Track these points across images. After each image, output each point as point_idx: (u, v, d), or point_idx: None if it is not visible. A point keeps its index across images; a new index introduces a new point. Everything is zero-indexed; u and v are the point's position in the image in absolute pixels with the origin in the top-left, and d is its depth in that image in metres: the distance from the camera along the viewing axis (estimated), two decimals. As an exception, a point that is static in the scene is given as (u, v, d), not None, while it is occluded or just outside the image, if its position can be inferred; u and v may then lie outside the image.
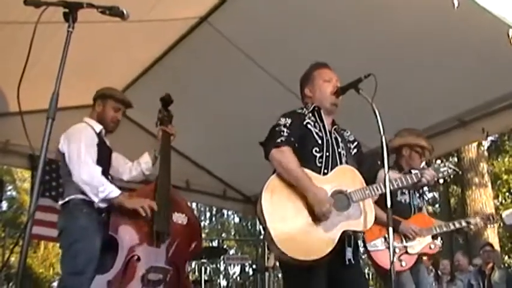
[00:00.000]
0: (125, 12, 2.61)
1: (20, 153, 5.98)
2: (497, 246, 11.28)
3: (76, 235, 3.32)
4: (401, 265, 4.06)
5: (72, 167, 3.40)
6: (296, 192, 2.84)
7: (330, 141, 3.06)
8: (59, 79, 2.12)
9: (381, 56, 4.51)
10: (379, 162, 3.20)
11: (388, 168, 2.79)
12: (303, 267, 2.75)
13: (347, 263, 2.90)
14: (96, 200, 3.33)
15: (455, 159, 14.55)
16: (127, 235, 3.41)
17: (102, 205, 3.38)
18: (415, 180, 3.04)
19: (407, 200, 4.32)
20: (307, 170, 2.88)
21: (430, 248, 4.22)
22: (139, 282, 3.29)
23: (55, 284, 21.97)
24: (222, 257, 10.19)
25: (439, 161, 3.32)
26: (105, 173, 3.60)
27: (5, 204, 20.05)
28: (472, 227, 4.38)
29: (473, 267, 8.64)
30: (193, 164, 7.25)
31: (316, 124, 3.08)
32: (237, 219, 24.15)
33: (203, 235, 19.21)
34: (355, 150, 3.25)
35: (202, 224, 22.64)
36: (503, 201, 16.28)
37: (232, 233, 24.77)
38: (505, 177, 15.91)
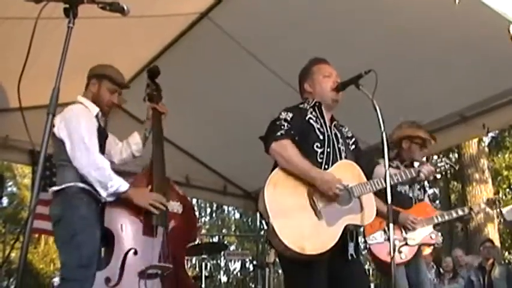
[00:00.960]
0: (125, 7, 2.60)
1: (20, 149, 5.99)
2: (497, 243, 11.29)
3: (78, 226, 3.06)
4: (400, 257, 4.06)
5: (77, 158, 3.11)
6: (299, 185, 2.85)
7: (330, 137, 3.07)
8: (60, 75, 2.12)
9: (382, 52, 4.51)
10: (376, 159, 3.24)
11: (389, 161, 2.80)
12: (304, 262, 2.75)
13: (349, 258, 2.91)
14: (104, 194, 3.12)
15: (456, 155, 14.55)
16: (123, 228, 3.24)
17: (110, 199, 3.17)
18: (413, 174, 3.10)
19: (407, 191, 4.31)
20: (310, 164, 2.88)
21: (431, 237, 4.20)
22: (136, 277, 3.14)
23: (56, 279, 22.03)
24: (222, 253, 10.18)
25: (436, 157, 3.33)
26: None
27: (5, 200, 20.04)
28: (474, 214, 4.37)
29: (467, 266, 8.65)
30: (194, 160, 7.25)
31: (317, 120, 3.08)
32: (237, 215, 24.13)
33: (203, 231, 19.26)
34: (353, 146, 3.27)
35: (202, 220, 22.67)
36: (504, 197, 16.27)
37: (233, 229, 24.75)
38: (505, 173, 15.90)
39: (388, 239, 3.92)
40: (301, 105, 3.16)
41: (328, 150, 3.00)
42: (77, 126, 3.16)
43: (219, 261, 22.53)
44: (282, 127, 2.94)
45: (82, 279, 2.97)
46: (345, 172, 2.95)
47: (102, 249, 3.32)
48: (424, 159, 4.29)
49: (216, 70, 5.41)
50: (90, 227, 3.11)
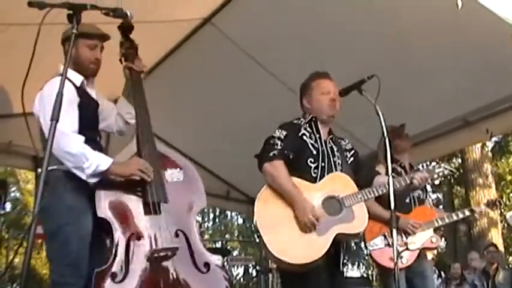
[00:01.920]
0: (128, 13, 2.62)
1: (23, 155, 6.00)
2: (501, 247, 11.27)
3: (63, 217, 2.72)
4: (401, 262, 4.04)
5: (44, 131, 2.72)
6: (287, 201, 2.96)
7: (325, 151, 3.15)
8: (63, 81, 2.13)
9: (384, 57, 4.51)
10: (375, 168, 3.30)
11: (392, 168, 2.83)
12: (299, 271, 2.85)
13: (341, 266, 3.05)
14: (84, 177, 2.70)
15: (459, 160, 14.53)
16: (120, 212, 2.81)
17: (93, 180, 2.74)
18: (408, 182, 3.16)
19: (407, 194, 4.29)
20: (298, 179, 3.00)
21: (432, 241, 4.16)
22: (145, 265, 2.72)
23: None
24: (225, 258, 10.17)
25: (434, 163, 3.35)
26: (93, 132, 3.02)
27: (8, 206, 20.06)
28: (476, 215, 4.33)
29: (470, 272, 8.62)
30: (196, 165, 7.21)
31: (312, 135, 3.17)
32: (240, 221, 24.11)
33: (206, 236, 19.22)
34: (351, 159, 3.34)
35: (205, 225, 22.64)
36: (508, 202, 16.24)
37: (236, 234, 24.74)
38: (509, 178, 15.89)
39: (388, 245, 3.97)
40: (296, 121, 3.25)
41: (323, 164, 3.09)
42: (49, 105, 2.53)
43: (222, 267, 22.49)
44: (276, 146, 3.05)
45: (73, 282, 2.65)
46: (335, 183, 3.04)
47: (100, 243, 2.91)
48: (421, 166, 4.29)
49: (219, 75, 5.41)
50: (78, 217, 2.76)
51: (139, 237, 2.78)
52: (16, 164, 7.14)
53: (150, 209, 2.82)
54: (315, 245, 2.84)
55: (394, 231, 2.72)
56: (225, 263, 3.06)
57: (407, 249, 4.07)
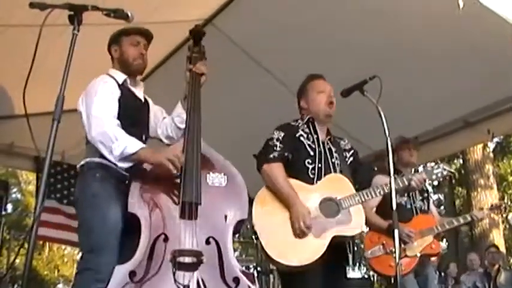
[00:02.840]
0: (129, 14, 2.62)
1: (25, 156, 6.02)
2: (502, 248, 11.25)
3: (87, 205, 2.72)
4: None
5: (84, 125, 2.80)
6: (284, 203, 2.99)
7: (322, 152, 3.15)
8: (65, 81, 2.13)
9: (387, 58, 4.51)
10: (374, 169, 3.32)
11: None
12: (298, 273, 2.86)
13: (346, 267, 3.08)
14: (112, 158, 2.67)
15: (461, 161, 14.52)
16: (150, 210, 2.67)
17: (124, 165, 2.69)
18: (406, 183, 3.16)
19: (407, 203, 4.28)
20: (296, 181, 3.02)
21: (432, 247, 4.14)
22: (168, 268, 2.52)
23: (60, 285, 22.03)
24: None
25: (432, 164, 3.35)
26: (137, 129, 2.96)
27: (10, 207, 20.08)
28: (477, 221, 4.34)
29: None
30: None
31: (309, 136, 3.19)
32: (241, 221, 24.17)
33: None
34: (351, 159, 3.35)
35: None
36: (509, 202, 16.21)
37: (236, 235, 24.78)
38: (510, 178, 15.89)
39: (387, 253, 3.96)
40: (293, 123, 3.27)
41: (320, 165, 3.10)
42: (91, 96, 2.83)
43: (223, 268, 22.47)
44: (275, 148, 3.09)
45: (93, 267, 2.55)
46: (333, 185, 3.05)
47: (125, 238, 2.73)
48: (421, 168, 4.28)
49: (220, 76, 5.38)
50: (101, 204, 2.70)
51: (166, 238, 2.61)
52: (18, 165, 7.17)
53: (186, 211, 2.66)
54: (311, 248, 2.86)
55: (396, 232, 2.70)
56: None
57: (406, 256, 4.05)
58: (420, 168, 4.99)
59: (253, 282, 2.57)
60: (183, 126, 3.08)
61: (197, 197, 2.67)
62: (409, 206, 4.26)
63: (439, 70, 4.65)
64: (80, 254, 2.77)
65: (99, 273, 2.52)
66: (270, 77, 5.27)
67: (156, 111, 3.25)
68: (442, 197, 18.26)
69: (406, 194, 4.22)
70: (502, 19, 3.77)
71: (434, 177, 3.27)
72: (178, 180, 2.71)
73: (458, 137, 5.47)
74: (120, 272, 2.48)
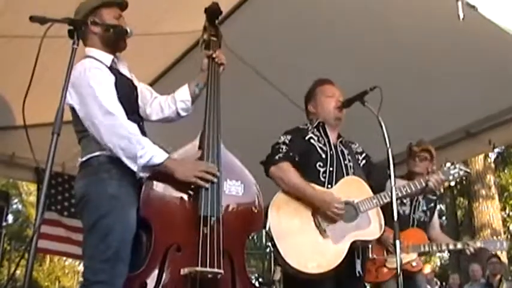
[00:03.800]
0: (128, 30, 2.64)
1: (25, 167, 6.01)
2: (504, 258, 11.20)
3: (105, 206, 2.36)
4: (376, 277, 3.98)
5: (93, 126, 2.42)
6: (302, 206, 2.90)
7: (334, 155, 3.09)
8: (64, 93, 2.13)
9: (387, 68, 4.51)
10: (388, 172, 3.22)
11: (395, 178, 2.79)
12: (310, 281, 2.77)
13: (357, 275, 2.91)
14: (134, 168, 2.37)
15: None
16: (164, 217, 2.45)
17: (143, 174, 2.42)
18: (423, 185, 3.06)
19: (407, 212, 4.22)
20: (312, 184, 2.93)
21: (412, 266, 4.03)
22: (179, 282, 2.35)
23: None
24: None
25: (448, 164, 3.24)
26: (135, 115, 2.66)
27: (10, 218, 20.07)
28: (470, 249, 4.06)
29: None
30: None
31: (320, 139, 3.13)
32: (242, 232, 24.13)
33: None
34: (363, 162, 3.28)
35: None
36: (511, 213, 16.19)
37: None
38: (511, 189, 15.83)
39: (369, 259, 3.88)
40: (302, 126, 3.22)
41: (331, 169, 3.03)
42: (88, 88, 2.44)
43: (224, 279, 22.40)
44: (281, 150, 3.02)
45: (106, 279, 2.28)
46: (351, 188, 2.98)
47: (135, 243, 2.47)
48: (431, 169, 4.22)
49: (222, 87, 5.42)
50: (122, 207, 2.39)
51: (179, 248, 2.42)
52: (19, 176, 7.17)
53: (204, 224, 2.42)
54: (331, 253, 2.78)
55: (397, 242, 2.67)
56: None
57: (384, 266, 4.00)
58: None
59: None
60: (185, 114, 2.92)
61: (218, 213, 2.46)
62: (407, 216, 4.20)
63: (439, 80, 4.66)
64: (85, 264, 2.43)
65: (112, 286, 2.28)
66: (272, 88, 5.26)
67: (142, 90, 2.87)
68: (443, 207, 18.21)
69: (408, 203, 4.18)
70: (502, 29, 3.78)
71: (451, 177, 3.16)
72: (194, 188, 2.48)
73: (460, 147, 5.45)
74: (130, 280, 2.32)
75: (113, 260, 2.30)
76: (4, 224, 6.02)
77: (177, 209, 2.49)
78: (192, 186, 2.48)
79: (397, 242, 2.67)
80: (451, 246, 4.14)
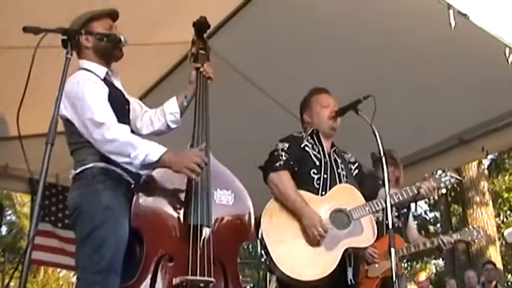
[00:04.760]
0: (122, 39, 2.64)
1: (19, 178, 5.98)
2: (499, 265, 11.22)
3: (99, 217, 2.37)
4: None
5: (92, 137, 2.43)
6: (294, 214, 2.90)
7: (328, 163, 3.11)
8: (58, 104, 2.13)
9: (380, 76, 4.54)
10: (379, 181, 3.24)
11: (389, 186, 2.79)
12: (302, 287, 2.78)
13: (349, 283, 2.91)
14: (133, 168, 2.42)
15: (456, 178, 14.51)
16: (155, 228, 2.45)
17: (144, 172, 2.48)
18: (415, 192, 3.07)
19: (380, 219, 4.19)
20: (305, 192, 2.95)
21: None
22: None
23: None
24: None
25: (440, 171, 3.24)
26: (129, 129, 2.65)
27: (4, 229, 19.92)
28: (447, 246, 4.07)
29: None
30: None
31: (314, 146, 3.15)
32: (237, 241, 24.04)
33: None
34: (356, 171, 3.29)
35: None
36: (505, 219, 16.23)
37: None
38: (505, 195, 15.89)
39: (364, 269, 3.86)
40: (297, 134, 3.24)
41: (325, 176, 3.05)
42: (82, 101, 2.44)
43: (219, 289, 22.30)
44: (281, 157, 3.02)
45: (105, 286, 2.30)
46: (343, 195, 3.00)
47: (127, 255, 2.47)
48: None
49: (215, 96, 5.40)
50: (116, 218, 2.40)
51: (171, 259, 2.43)
52: (12, 187, 7.14)
53: (194, 233, 2.45)
54: (324, 260, 2.79)
55: (393, 250, 2.66)
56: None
57: (366, 276, 3.96)
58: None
59: None
60: (174, 126, 2.94)
61: (208, 221, 2.49)
62: (380, 222, 4.16)
63: (432, 88, 4.68)
64: (78, 275, 2.44)
65: None
66: (266, 97, 5.27)
67: (132, 104, 2.89)
68: (438, 214, 18.24)
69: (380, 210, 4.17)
70: (494, 37, 3.81)
71: (442, 185, 3.18)
72: (184, 195, 2.53)
73: (453, 154, 5.48)
74: None
75: (106, 271, 2.31)
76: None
77: (168, 219, 2.50)
78: (183, 196, 2.51)
79: (392, 250, 2.66)
80: (428, 245, 4.11)
